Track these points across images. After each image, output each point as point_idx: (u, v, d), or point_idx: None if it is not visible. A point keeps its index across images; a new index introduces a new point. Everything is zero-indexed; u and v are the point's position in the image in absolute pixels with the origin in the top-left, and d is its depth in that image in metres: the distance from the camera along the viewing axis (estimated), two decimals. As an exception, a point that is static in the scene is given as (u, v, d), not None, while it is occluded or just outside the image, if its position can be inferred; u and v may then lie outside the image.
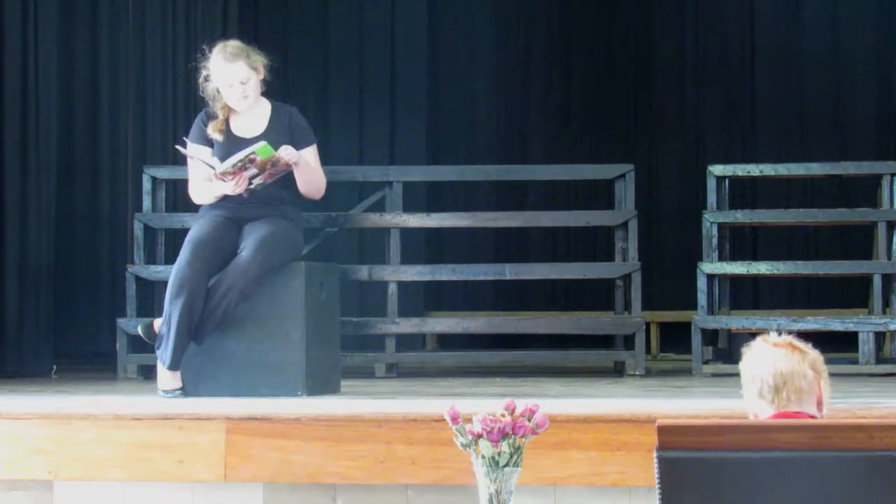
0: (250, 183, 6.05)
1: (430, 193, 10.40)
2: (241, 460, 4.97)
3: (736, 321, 7.87)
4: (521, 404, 3.88)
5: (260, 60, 6.19)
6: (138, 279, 7.45)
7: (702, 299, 7.60)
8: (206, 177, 6.15)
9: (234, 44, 6.22)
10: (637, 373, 7.40)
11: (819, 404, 3.48)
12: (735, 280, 8.13)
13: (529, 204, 10.85)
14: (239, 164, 5.98)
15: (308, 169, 6.18)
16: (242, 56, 6.14)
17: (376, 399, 5.83)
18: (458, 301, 10.83)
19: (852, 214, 8.17)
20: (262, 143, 5.98)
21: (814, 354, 3.52)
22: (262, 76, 6.20)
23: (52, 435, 5.06)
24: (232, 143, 6.14)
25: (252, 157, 5.97)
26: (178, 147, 6.18)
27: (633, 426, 4.78)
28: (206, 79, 6.21)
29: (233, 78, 6.13)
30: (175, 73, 8.88)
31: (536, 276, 8.49)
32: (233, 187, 6.04)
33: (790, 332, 3.60)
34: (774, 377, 3.45)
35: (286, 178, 6.17)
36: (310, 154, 6.26)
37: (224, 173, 5.98)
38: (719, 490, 3.21)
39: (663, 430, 3.23)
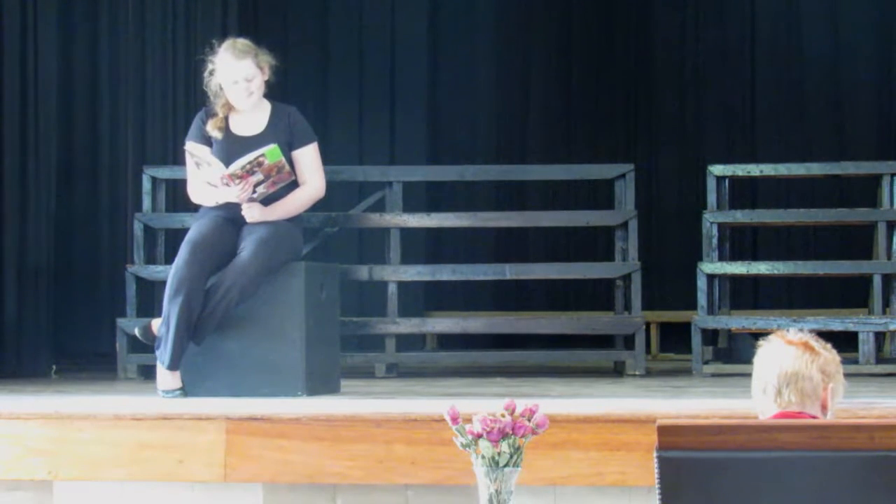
0: (254, 191, 6.03)
1: (430, 193, 10.40)
2: (241, 460, 4.97)
3: (736, 321, 7.87)
4: (521, 404, 3.88)
5: (267, 61, 6.21)
6: (138, 279, 7.46)
7: (702, 299, 7.60)
8: (207, 179, 6.11)
9: (243, 42, 6.26)
10: (637, 373, 7.40)
11: (823, 408, 3.43)
12: (735, 280, 8.13)
13: (529, 204, 10.84)
14: (248, 167, 5.94)
15: (286, 211, 6.17)
16: (251, 54, 6.17)
17: (376, 399, 5.82)
18: (458, 301, 10.82)
19: (852, 214, 8.17)
20: (273, 146, 5.96)
21: (828, 356, 3.45)
22: (266, 77, 6.21)
23: (52, 435, 5.06)
24: (231, 142, 6.13)
25: (261, 159, 5.93)
26: (185, 149, 6.17)
27: (633, 426, 4.78)
28: (211, 73, 6.22)
29: (238, 75, 6.13)
30: (175, 74, 8.88)
31: (536, 276, 8.49)
32: (238, 193, 6.01)
33: (811, 331, 3.51)
34: (778, 377, 3.41)
35: (286, 178, 6.17)
36: (309, 153, 6.25)
37: (232, 175, 5.95)
38: (719, 490, 3.21)
39: (663, 430, 3.22)
